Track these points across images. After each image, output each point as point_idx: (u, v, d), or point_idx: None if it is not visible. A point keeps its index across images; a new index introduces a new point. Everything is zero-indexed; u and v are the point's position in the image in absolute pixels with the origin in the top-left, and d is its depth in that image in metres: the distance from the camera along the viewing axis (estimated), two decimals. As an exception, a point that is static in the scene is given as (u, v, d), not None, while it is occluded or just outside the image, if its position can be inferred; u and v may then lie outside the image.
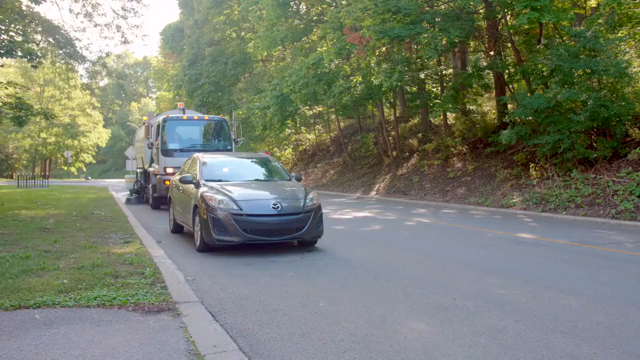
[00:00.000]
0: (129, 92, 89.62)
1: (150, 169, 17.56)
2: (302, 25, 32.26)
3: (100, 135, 65.45)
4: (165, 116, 17.19)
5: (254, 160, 11.13)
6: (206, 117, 18.10)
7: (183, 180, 9.74)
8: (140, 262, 7.29)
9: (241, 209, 8.30)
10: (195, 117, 17.92)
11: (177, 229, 11.19)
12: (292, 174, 10.58)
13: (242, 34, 41.28)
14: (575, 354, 4.17)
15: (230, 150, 17.25)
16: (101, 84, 66.70)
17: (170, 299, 5.53)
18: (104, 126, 69.47)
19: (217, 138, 17.71)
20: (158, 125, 17.14)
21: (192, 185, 9.53)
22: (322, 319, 5.03)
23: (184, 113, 18.37)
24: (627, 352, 4.19)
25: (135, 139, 24.09)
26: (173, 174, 14.66)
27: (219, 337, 4.43)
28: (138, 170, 21.30)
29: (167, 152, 16.40)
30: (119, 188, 32.61)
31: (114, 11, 27.85)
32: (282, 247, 9.15)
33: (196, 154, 11.02)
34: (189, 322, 4.81)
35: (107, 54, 26.74)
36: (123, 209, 16.19)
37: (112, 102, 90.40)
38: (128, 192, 21.83)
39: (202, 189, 8.97)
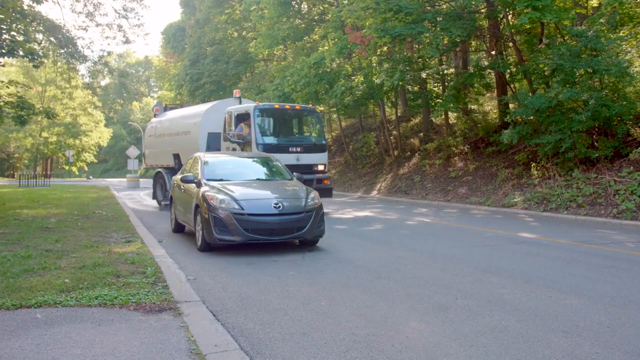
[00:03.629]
0: (131, 92, 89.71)
1: None
2: (303, 25, 32.24)
3: (101, 135, 65.49)
4: (255, 104, 14.81)
5: (255, 159, 11.13)
6: (298, 106, 15.92)
7: (184, 180, 9.75)
8: (142, 262, 7.29)
9: (242, 209, 8.31)
10: (287, 107, 15.64)
11: (179, 229, 11.20)
12: (294, 173, 10.57)
13: (244, 33, 41.27)
14: (576, 353, 4.17)
15: (324, 146, 15.50)
16: (102, 83, 66.83)
17: (172, 298, 5.54)
18: (106, 125, 69.48)
19: (310, 131, 16.01)
20: (242, 115, 14.68)
21: (194, 185, 9.53)
22: (323, 319, 5.03)
23: (240, 102, 16.16)
24: (629, 352, 4.19)
25: (147, 134, 20.56)
26: None
27: (220, 337, 4.43)
28: (162, 169, 17.81)
29: (265, 147, 14.06)
30: (120, 187, 32.67)
31: (115, 11, 27.91)
32: (283, 247, 9.16)
33: (197, 154, 11.03)
34: (191, 321, 4.81)
35: (109, 53, 26.73)
36: (124, 209, 16.21)
37: (114, 101, 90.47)
38: (155, 194, 18.38)
39: (203, 189, 8.97)
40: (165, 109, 20.90)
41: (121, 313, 5.03)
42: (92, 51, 75.19)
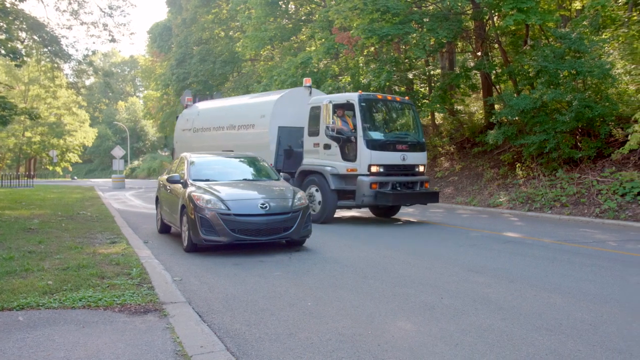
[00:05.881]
0: (116, 91, 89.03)
1: (328, 168, 12.60)
2: (290, 25, 32.23)
3: (86, 135, 64.85)
4: (358, 93, 12.85)
5: (242, 159, 11.10)
6: (398, 97, 13.99)
7: (170, 180, 9.70)
8: (127, 263, 7.24)
9: (229, 209, 8.28)
10: (389, 98, 13.67)
11: (165, 229, 11.14)
12: (281, 173, 10.57)
13: (231, 33, 41.17)
14: (559, 351, 4.21)
15: (424, 144, 13.65)
16: (87, 82, 66.15)
17: (157, 299, 5.51)
18: (91, 125, 68.85)
19: (410, 127, 13.93)
20: (341, 105, 12.78)
21: (180, 185, 9.48)
22: (310, 319, 5.04)
23: (310, 91, 14.69)
24: (610, 349, 4.25)
25: (180, 127, 18.62)
26: (380, 174, 12.23)
27: (206, 338, 4.42)
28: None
29: (372, 144, 12.23)
30: (105, 188, 32.40)
31: (100, 9, 27.61)
32: (270, 247, 9.15)
33: (183, 154, 10.97)
34: (176, 322, 4.79)
35: (94, 52, 26.50)
36: (109, 209, 16.07)
37: (99, 101, 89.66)
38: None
39: (189, 189, 8.93)
40: (195, 99, 19.24)
41: (106, 315, 4.99)
42: (77, 50, 74.60)
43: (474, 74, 22.46)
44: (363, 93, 13.01)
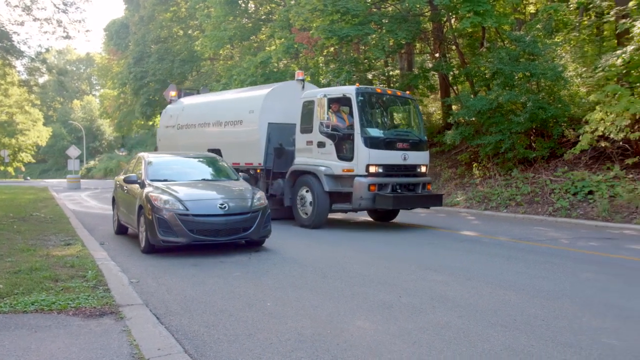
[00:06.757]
0: (71, 90, 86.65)
1: (322, 168, 11.59)
2: (250, 24, 32.05)
3: (40, 134, 62.90)
4: (355, 86, 11.84)
5: (201, 159, 10.98)
6: (399, 92, 13.18)
7: (127, 180, 9.52)
8: (82, 265, 7.07)
9: (187, 209, 8.19)
10: (389, 92, 12.85)
11: (122, 230, 10.93)
12: (240, 173, 10.49)
13: (190, 31, 40.69)
14: (513, 346, 4.33)
15: (426, 143, 12.70)
16: (41, 80, 64.26)
17: (114, 302, 5.40)
18: (44, 124, 66.81)
19: (411, 124, 13.11)
20: (337, 100, 11.82)
21: (137, 185, 9.31)
22: (269, 319, 5.03)
23: (303, 85, 13.56)
24: (562, 343, 4.39)
25: (163, 124, 17.59)
26: (379, 175, 11.30)
27: (163, 340, 4.35)
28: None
29: (371, 142, 11.23)
30: (60, 189, 31.52)
31: (54, 5, 26.81)
32: (229, 248, 9.07)
33: (141, 153, 10.77)
34: (133, 325, 4.71)
35: (47, 50, 25.69)
36: (64, 210, 15.65)
37: (53, 99, 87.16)
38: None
39: (147, 189, 8.79)
40: (180, 94, 18.11)
41: (59, 319, 4.86)
42: (29, 47, 72.13)
43: (432, 75, 22.82)
44: (361, 86, 12.11)
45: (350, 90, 11.59)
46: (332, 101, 11.66)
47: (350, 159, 11.27)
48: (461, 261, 8.01)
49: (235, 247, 9.18)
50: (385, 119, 12.72)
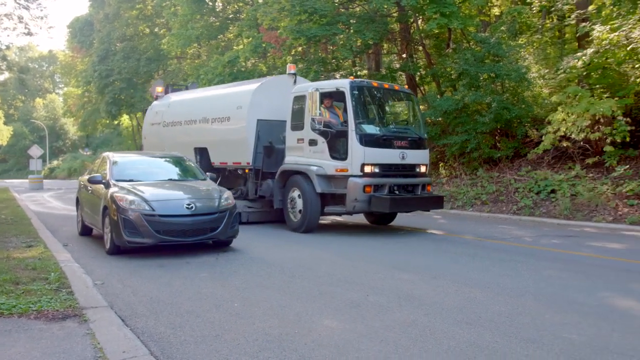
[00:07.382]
0: (33, 88, 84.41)
1: (314, 168, 10.81)
2: (217, 23, 31.81)
3: (0, 133, 61.22)
4: (349, 80, 11.03)
5: (168, 159, 10.84)
6: (396, 86, 12.42)
7: (92, 181, 9.34)
8: (44, 267, 6.91)
9: (153, 210, 8.08)
10: (386, 86, 12.09)
11: (86, 232, 10.72)
12: (207, 173, 10.38)
13: (156, 30, 40.19)
14: (478, 343, 4.40)
15: (425, 141, 11.86)
16: (1, 78, 62.45)
17: (77, 304, 5.29)
18: (5, 123, 64.96)
19: (410, 119, 12.38)
20: (330, 94, 11.09)
21: (102, 186, 9.15)
22: (236, 320, 5.00)
23: (295, 79, 12.71)
24: (525, 339, 4.48)
25: (149, 121, 16.74)
26: (375, 175, 10.51)
27: (129, 343, 4.29)
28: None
29: (366, 140, 10.40)
30: (21, 189, 30.72)
31: (15, 0, 26.14)
32: (196, 248, 8.99)
33: (106, 153, 10.58)
34: (97, 328, 4.62)
35: (8, 47, 25.07)
36: (26, 211, 15.26)
37: (14, 97, 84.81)
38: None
39: (112, 189, 8.64)
40: (167, 90, 17.33)
41: (20, 322, 4.74)
42: (-11, 43, 70.03)
43: (400, 75, 23.00)
44: (355, 79, 11.24)
45: (344, 84, 10.79)
46: (324, 96, 10.92)
47: (344, 158, 10.48)
48: (427, 260, 8.12)
49: (202, 247, 9.09)
50: (382, 115, 11.78)
